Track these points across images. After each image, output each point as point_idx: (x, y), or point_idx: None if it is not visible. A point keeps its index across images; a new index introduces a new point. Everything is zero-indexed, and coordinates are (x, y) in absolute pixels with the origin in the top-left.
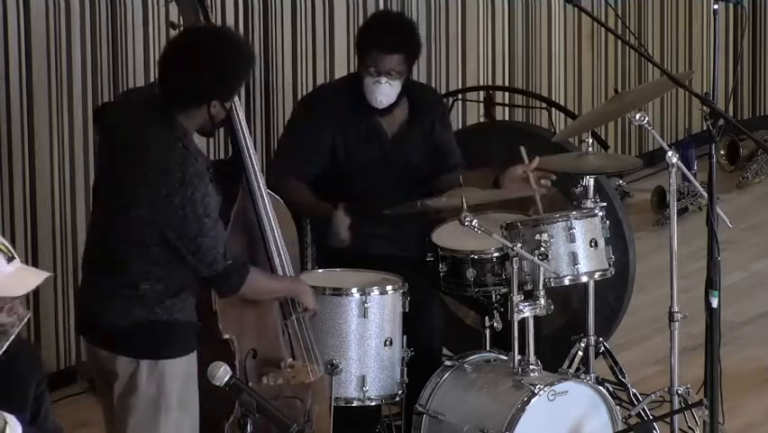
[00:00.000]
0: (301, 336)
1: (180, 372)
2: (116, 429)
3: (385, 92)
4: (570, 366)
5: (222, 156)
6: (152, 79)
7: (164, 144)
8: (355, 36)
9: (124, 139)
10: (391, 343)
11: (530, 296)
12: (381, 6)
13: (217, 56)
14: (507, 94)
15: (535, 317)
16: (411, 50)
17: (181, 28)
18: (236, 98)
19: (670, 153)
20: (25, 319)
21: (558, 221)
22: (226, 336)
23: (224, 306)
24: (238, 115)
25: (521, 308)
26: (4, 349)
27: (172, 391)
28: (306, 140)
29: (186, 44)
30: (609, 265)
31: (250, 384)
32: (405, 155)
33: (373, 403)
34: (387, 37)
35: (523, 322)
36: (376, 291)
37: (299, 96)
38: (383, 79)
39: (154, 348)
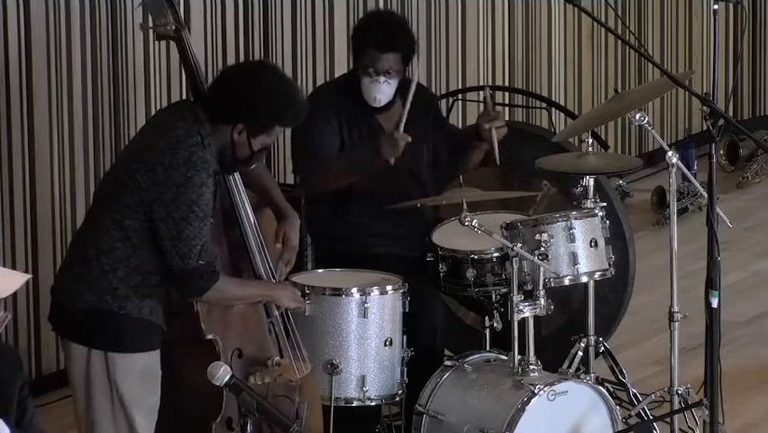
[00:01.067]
0: (287, 334)
1: (134, 369)
2: (80, 420)
3: (384, 91)
4: (570, 366)
5: None
6: (152, 80)
7: (186, 130)
8: (352, 36)
9: (155, 126)
10: (391, 343)
11: (530, 296)
12: (381, 6)
13: (268, 86)
14: (507, 94)
15: (535, 317)
16: (408, 48)
17: (151, 29)
18: None
19: (670, 153)
20: (6, 321)
21: (558, 221)
22: (210, 337)
23: (206, 306)
24: None
25: (521, 308)
26: None
27: (126, 387)
28: (316, 133)
29: (247, 67)
30: (609, 265)
31: None
32: (404, 154)
33: (373, 403)
34: (384, 36)
35: (523, 322)
36: (376, 291)
37: None
38: (381, 78)
39: (103, 338)
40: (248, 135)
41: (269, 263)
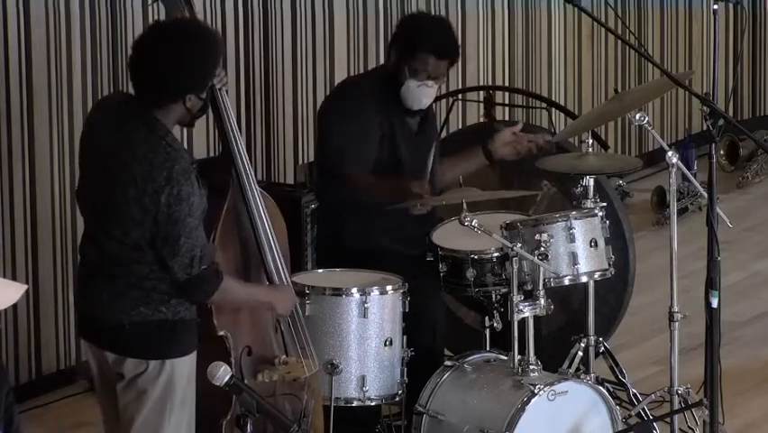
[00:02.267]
0: (295, 332)
1: (186, 370)
2: (121, 430)
3: (431, 95)
4: (570, 366)
5: (213, 153)
6: None
7: (148, 145)
8: (400, 36)
9: (109, 146)
10: (391, 343)
11: (530, 296)
12: (381, 7)
13: (185, 51)
14: (507, 94)
15: (535, 317)
16: (458, 56)
17: None
18: (223, 92)
19: (670, 153)
20: None
21: (558, 221)
22: (221, 333)
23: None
24: (226, 110)
25: (521, 308)
26: None
27: (178, 390)
28: (361, 132)
29: (152, 43)
30: (609, 265)
31: (245, 382)
32: (425, 154)
33: (373, 403)
34: (444, 44)
35: (523, 322)
36: (376, 291)
37: (299, 97)
38: (430, 83)
39: (161, 348)
40: (197, 96)
41: (280, 261)
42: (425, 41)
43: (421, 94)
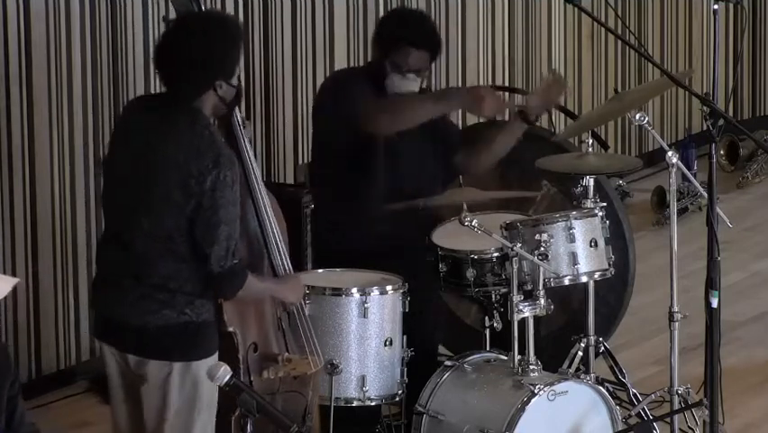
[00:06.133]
0: (301, 328)
1: None
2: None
3: (414, 87)
4: (570, 366)
5: None
6: (152, 80)
7: (192, 132)
8: (381, 31)
9: (151, 139)
10: (391, 343)
11: (530, 296)
12: (381, 7)
13: (207, 37)
14: (506, 94)
15: (535, 317)
16: (439, 48)
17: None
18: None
19: (670, 153)
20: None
21: (558, 221)
22: (230, 329)
23: None
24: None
25: (521, 308)
26: None
27: (204, 391)
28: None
29: (173, 39)
30: (609, 265)
31: (252, 378)
32: (419, 144)
33: (373, 403)
34: (422, 35)
35: (523, 322)
36: (376, 291)
37: (299, 97)
38: (411, 75)
39: (186, 350)
40: (227, 82)
41: (285, 258)
42: (404, 33)
43: (404, 87)
